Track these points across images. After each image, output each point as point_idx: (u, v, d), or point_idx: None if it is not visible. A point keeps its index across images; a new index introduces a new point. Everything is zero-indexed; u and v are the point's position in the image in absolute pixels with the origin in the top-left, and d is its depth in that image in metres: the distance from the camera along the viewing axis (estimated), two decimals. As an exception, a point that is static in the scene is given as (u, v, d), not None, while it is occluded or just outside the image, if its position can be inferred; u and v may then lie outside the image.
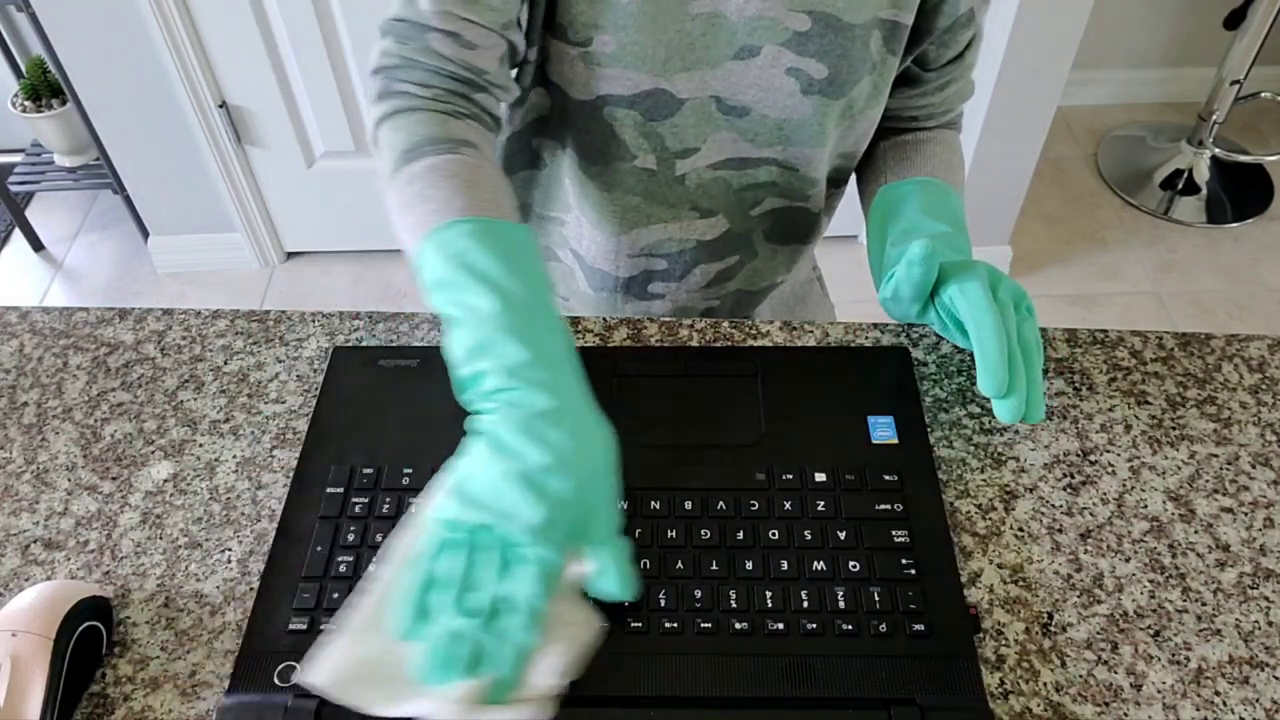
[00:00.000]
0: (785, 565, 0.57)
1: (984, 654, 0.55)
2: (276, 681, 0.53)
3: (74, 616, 0.53)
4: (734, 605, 0.55)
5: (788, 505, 0.60)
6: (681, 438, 0.64)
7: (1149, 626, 0.56)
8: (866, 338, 0.72)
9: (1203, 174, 2.22)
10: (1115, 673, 0.54)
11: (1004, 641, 0.56)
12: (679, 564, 0.57)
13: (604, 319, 0.73)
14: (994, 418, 0.66)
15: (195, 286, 2.06)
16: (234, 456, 0.65)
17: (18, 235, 2.15)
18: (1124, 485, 0.63)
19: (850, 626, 0.54)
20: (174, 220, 2.00)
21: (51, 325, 0.74)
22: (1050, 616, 0.57)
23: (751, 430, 0.64)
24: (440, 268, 0.56)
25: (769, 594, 0.56)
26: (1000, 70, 1.68)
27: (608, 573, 0.51)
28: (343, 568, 0.57)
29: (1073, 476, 0.63)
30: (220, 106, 1.80)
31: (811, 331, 0.72)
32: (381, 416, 0.65)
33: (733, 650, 0.54)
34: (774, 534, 0.58)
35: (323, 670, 0.49)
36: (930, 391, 0.68)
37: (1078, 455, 0.64)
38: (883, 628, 0.54)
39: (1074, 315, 1.97)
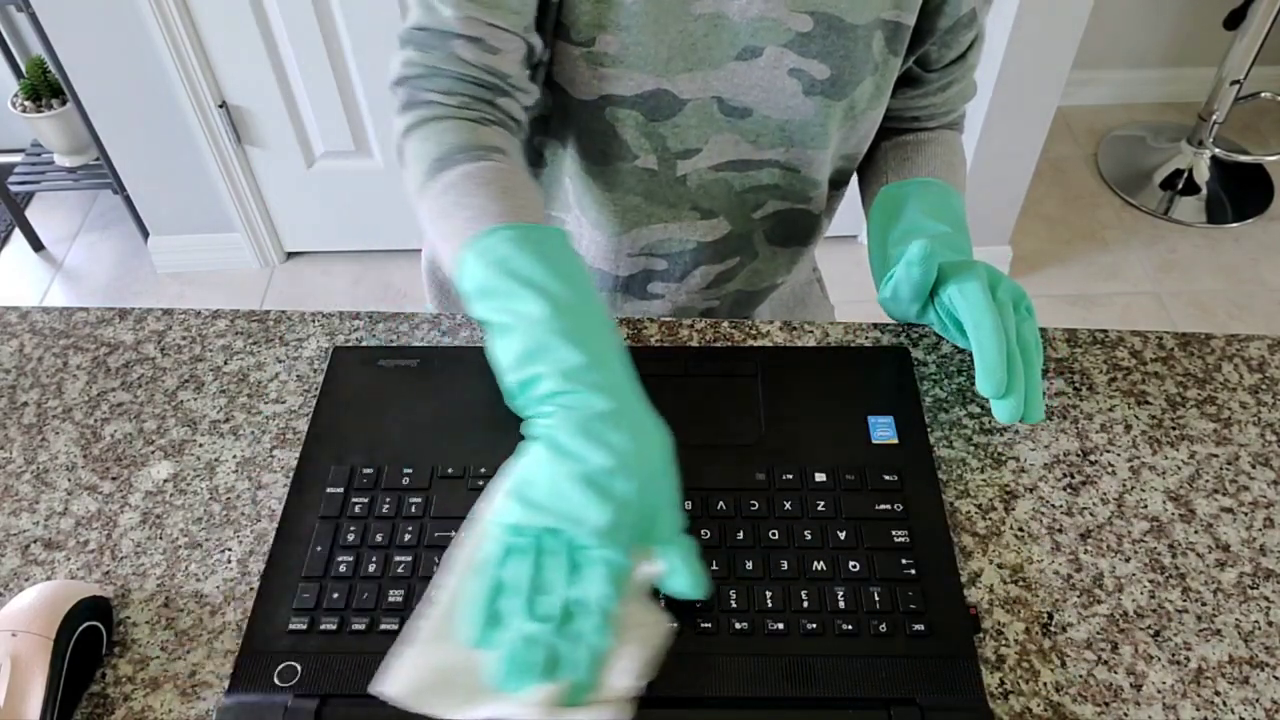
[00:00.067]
0: (785, 565, 0.57)
1: (984, 654, 0.55)
2: (276, 681, 0.53)
3: (74, 616, 0.53)
4: (734, 605, 0.55)
5: (788, 505, 0.60)
6: (681, 438, 0.63)
7: (1149, 626, 0.56)
8: (866, 338, 0.72)
9: (1203, 174, 2.22)
10: (1115, 673, 0.54)
11: (1004, 641, 0.56)
12: (679, 564, 0.57)
13: (604, 319, 0.73)
14: (994, 418, 0.66)
15: (195, 286, 2.06)
16: (234, 456, 0.65)
17: (18, 235, 2.15)
18: (1124, 485, 0.63)
19: (850, 626, 0.54)
20: (174, 220, 2.00)
21: (51, 325, 0.74)
22: (1050, 616, 0.57)
23: (751, 430, 0.64)
24: (483, 275, 0.55)
25: (769, 594, 0.56)
26: (1000, 70, 1.68)
27: (678, 572, 0.50)
28: (343, 568, 0.57)
29: (1073, 476, 0.63)
30: (220, 106, 1.80)
31: (811, 331, 0.72)
32: (381, 416, 0.65)
33: (732, 650, 0.54)
34: (774, 534, 0.58)
35: (397, 681, 0.48)
36: (930, 391, 0.68)
37: (1078, 455, 0.64)
38: (883, 628, 0.54)
39: (1074, 315, 1.97)
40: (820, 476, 0.61)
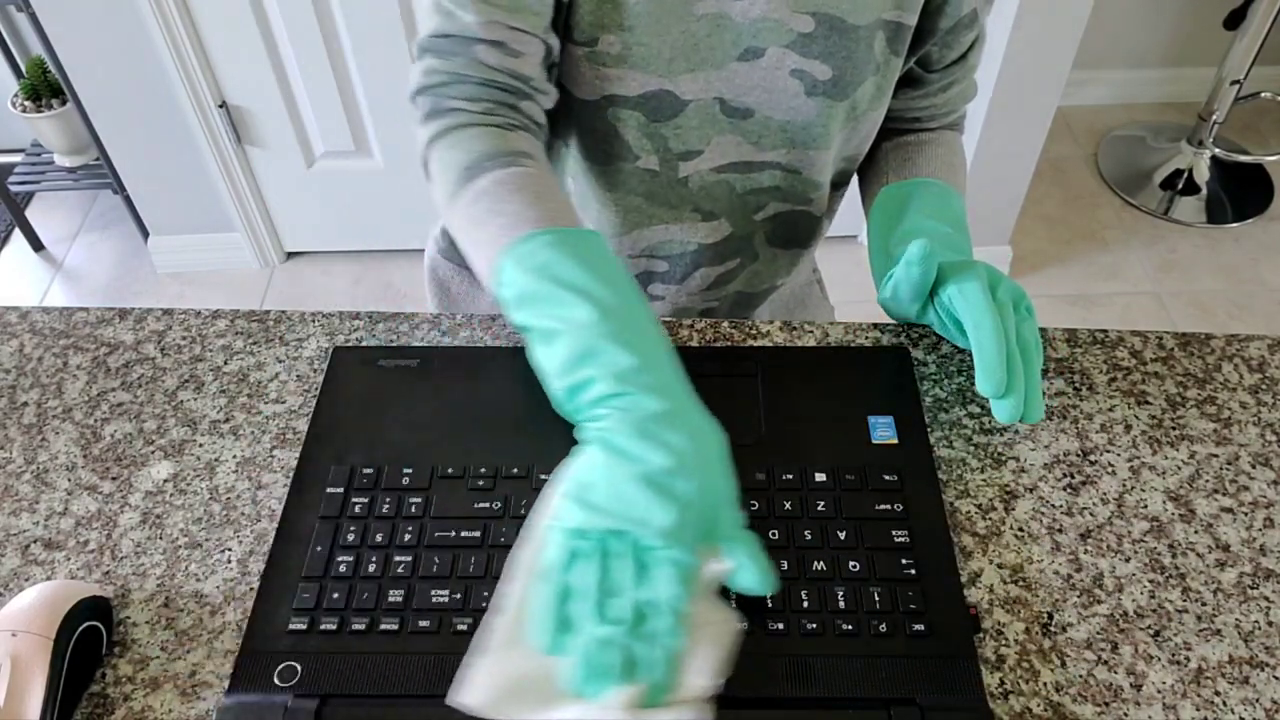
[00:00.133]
0: (785, 565, 0.57)
1: (984, 654, 0.55)
2: (276, 681, 0.53)
3: (74, 616, 0.53)
4: (734, 605, 0.55)
5: (788, 505, 0.60)
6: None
7: (1149, 626, 0.56)
8: (866, 338, 0.72)
9: (1203, 174, 2.22)
10: (1115, 673, 0.54)
11: (1004, 641, 0.56)
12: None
13: (604, 319, 0.73)
14: (994, 417, 0.66)
15: (195, 286, 2.06)
16: (234, 456, 0.65)
17: (18, 235, 2.15)
18: (1124, 485, 0.63)
19: (850, 626, 0.54)
20: (174, 220, 2.00)
21: (51, 325, 0.74)
22: (1050, 616, 0.57)
23: (751, 430, 0.64)
24: (525, 281, 0.55)
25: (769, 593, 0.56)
26: (1000, 70, 1.68)
27: (745, 568, 0.50)
28: (343, 568, 0.57)
29: (1073, 476, 0.63)
30: (220, 106, 1.80)
31: (811, 332, 0.72)
32: (381, 416, 0.65)
33: (733, 650, 0.54)
34: (774, 534, 0.58)
35: (473, 691, 0.48)
36: (930, 391, 0.68)
37: (1078, 455, 0.64)
38: (883, 628, 0.54)
39: (1074, 315, 1.97)
40: (820, 476, 0.61)
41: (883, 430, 0.64)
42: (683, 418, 0.51)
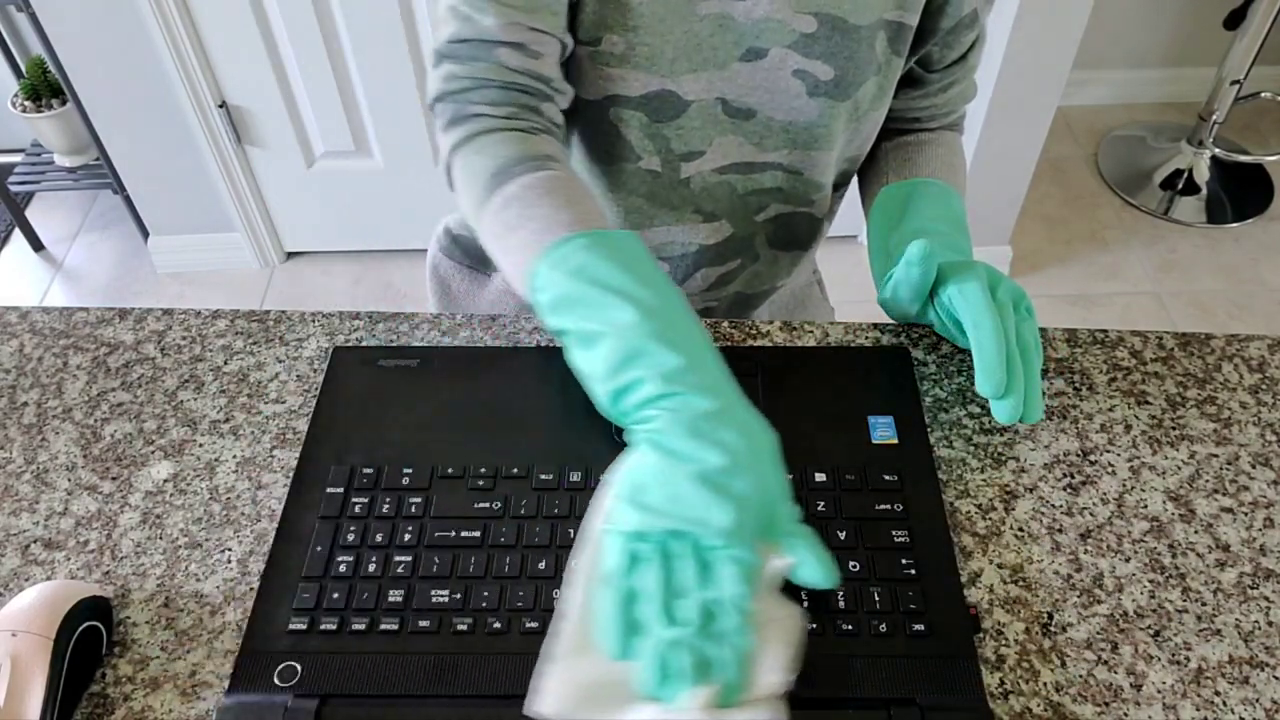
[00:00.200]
0: (785, 565, 0.57)
1: (984, 654, 0.55)
2: (276, 681, 0.53)
3: (74, 616, 0.53)
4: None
5: (788, 505, 0.60)
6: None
7: (1149, 626, 0.56)
8: (866, 338, 0.72)
9: (1203, 174, 2.22)
10: (1115, 673, 0.54)
11: (1004, 641, 0.56)
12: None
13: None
14: (994, 418, 0.66)
15: (195, 286, 2.06)
16: (234, 456, 0.65)
17: (18, 235, 2.15)
18: (1124, 485, 0.63)
19: (850, 626, 0.54)
20: (174, 220, 2.00)
21: (51, 325, 0.74)
22: (1050, 616, 0.57)
23: (751, 430, 0.64)
24: (562, 285, 0.55)
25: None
26: (1000, 70, 1.68)
27: (807, 563, 0.50)
28: (343, 568, 0.57)
29: (1073, 476, 0.63)
30: (220, 106, 1.80)
31: (811, 332, 0.72)
32: (381, 416, 0.65)
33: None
34: (774, 534, 0.58)
35: (547, 700, 0.48)
36: (930, 391, 0.68)
37: (1078, 455, 0.64)
38: (883, 628, 0.54)
39: (1074, 315, 1.97)
40: (820, 476, 0.61)
41: (883, 430, 0.64)
42: (733, 416, 0.51)
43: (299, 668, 0.53)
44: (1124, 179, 2.25)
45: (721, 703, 0.47)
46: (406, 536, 0.59)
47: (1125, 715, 0.53)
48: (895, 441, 0.63)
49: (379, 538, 0.59)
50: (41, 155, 2.08)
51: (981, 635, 0.56)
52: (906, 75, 0.77)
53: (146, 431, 0.67)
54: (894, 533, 0.59)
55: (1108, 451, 0.65)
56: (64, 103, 1.96)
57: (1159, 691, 0.54)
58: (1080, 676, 0.54)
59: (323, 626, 0.55)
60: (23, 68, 2.05)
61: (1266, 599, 0.57)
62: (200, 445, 0.66)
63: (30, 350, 0.72)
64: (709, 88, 0.69)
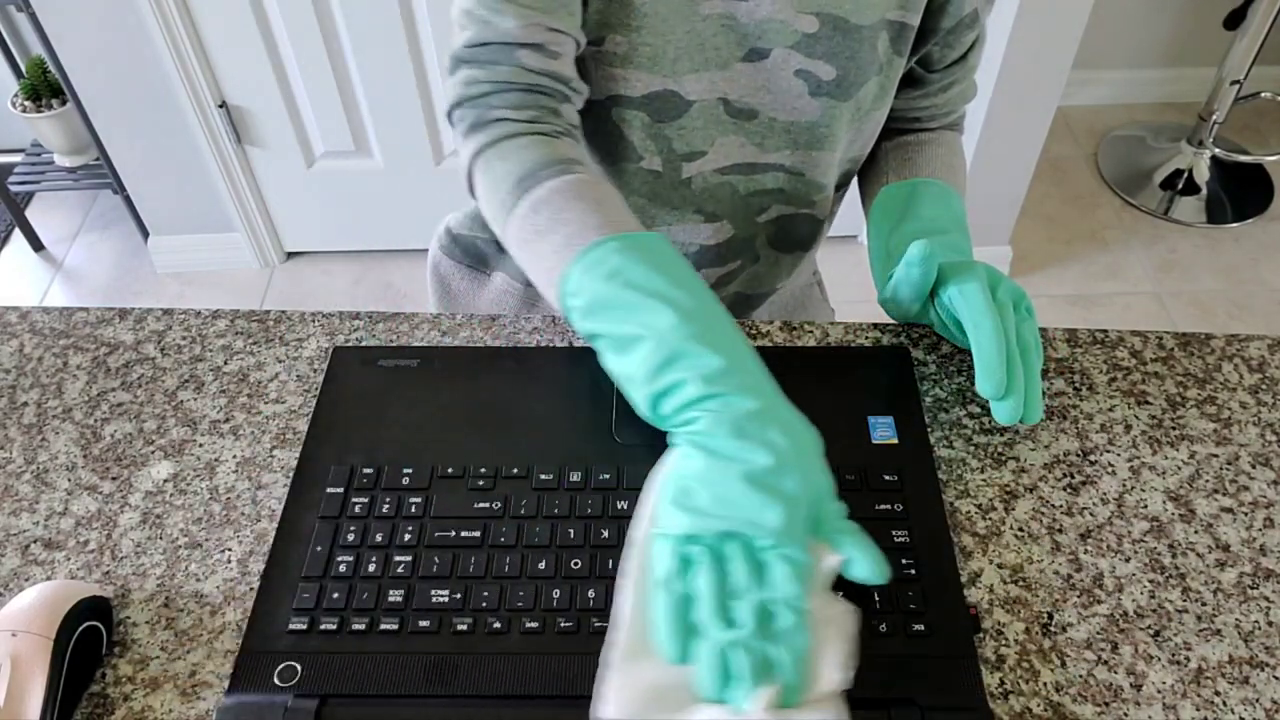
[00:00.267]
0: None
1: (984, 654, 0.55)
2: (276, 681, 0.53)
3: (74, 616, 0.53)
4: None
5: (788, 505, 0.60)
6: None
7: (1149, 626, 0.56)
8: (866, 338, 0.72)
9: (1203, 174, 2.22)
10: (1115, 673, 0.54)
11: (1004, 641, 0.56)
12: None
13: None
14: (994, 418, 0.66)
15: (195, 286, 2.06)
16: (234, 456, 0.65)
17: (18, 235, 2.15)
18: (1124, 485, 0.63)
19: (850, 626, 0.54)
20: (174, 220, 2.00)
21: (51, 325, 0.74)
22: (1050, 616, 0.57)
23: (751, 430, 0.64)
24: (597, 289, 0.55)
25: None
26: (1000, 70, 1.68)
27: (858, 560, 0.50)
28: (343, 568, 0.57)
29: (1073, 476, 0.63)
30: (220, 106, 1.80)
31: (811, 332, 0.72)
32: (381, 416, 0.65)
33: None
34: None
35: (608, 707, 0.48)
36: (930, 391, 0.68)
37: (1078, 455, 0.64)
38: (883, 628, 0.54)
39: (1074, 315, 1.98)
40: (820, 476, 0.61)
41: (883, 430, 0.64)
42: (777, 415, 0.51)
43: (299, 668, 0.53)
44: (1124, 179, 2.25)
45: (783, 703, 0.46)
46: (406, 536, 0.59)
47: (1125, 715, 0.53)
48: (895, 441, 0.63)
49: (379, 538, 0.59)
50: (41, 155, 2.08)
51: (981, 635, 0.56)
52: (906, 75, 0.77)
53: (146, 431, 0.67)
54: (894, 533, 0.59)
55: (1108, 451, 0.65)
56: (64, 103, 1.96)
57: (1159, 691, 0.54)
58: (1080, 676, 0.54)
59: (323, 626, 0.55)
60: (23, 68, 2.05)
61: (1266, 599, 0.57)
62: (200, 445, 0.66)
63: (30, 350, 0.72)
64: (711, 88, 0.69)
